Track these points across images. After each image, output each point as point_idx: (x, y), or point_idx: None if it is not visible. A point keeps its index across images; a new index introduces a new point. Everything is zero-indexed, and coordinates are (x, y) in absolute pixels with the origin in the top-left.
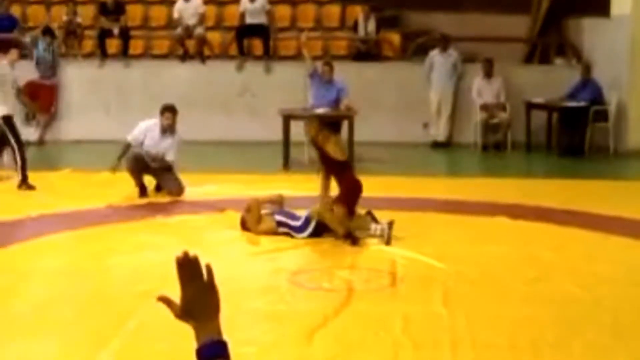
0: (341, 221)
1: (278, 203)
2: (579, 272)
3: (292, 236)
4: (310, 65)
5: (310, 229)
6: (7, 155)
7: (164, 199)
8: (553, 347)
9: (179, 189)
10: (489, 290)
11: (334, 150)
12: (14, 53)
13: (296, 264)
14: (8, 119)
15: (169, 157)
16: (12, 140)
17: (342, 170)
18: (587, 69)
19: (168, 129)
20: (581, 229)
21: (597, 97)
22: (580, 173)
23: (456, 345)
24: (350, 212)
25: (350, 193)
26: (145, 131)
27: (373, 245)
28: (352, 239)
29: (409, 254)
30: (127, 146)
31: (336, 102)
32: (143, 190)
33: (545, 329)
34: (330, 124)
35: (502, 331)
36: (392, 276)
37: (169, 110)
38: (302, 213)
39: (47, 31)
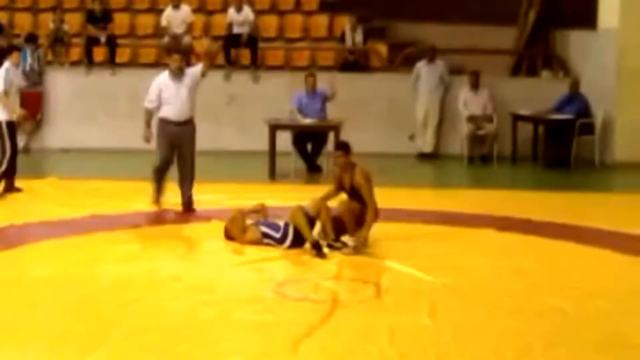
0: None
1: (262, 213)
2: (566, 285)
3: (276, 247)
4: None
5: (289, 238)
6: None
7: (150, 208)
8: None
9: (189, 202)
10: (475, 302)
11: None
12: (15, 56)
13: (282, 274)
14: (11, 125)
15: (198, 70)
16: (9, 146)
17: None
18: (574, 83)
19: (178, 72)
20: (568, 242)
21: (584, 110)
22: (566, 185)
23: (442, 357)
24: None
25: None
26: (157, 87)
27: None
28: (318, 249)
29: (395, 265)
30: (149, 113)
31: (322, 110)
32: (158, 196)
33: (531, 342)
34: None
35: (488, 343)
36: (378, 287)
37: (176, 52)
38: (282, 221)
39: (31, 39)
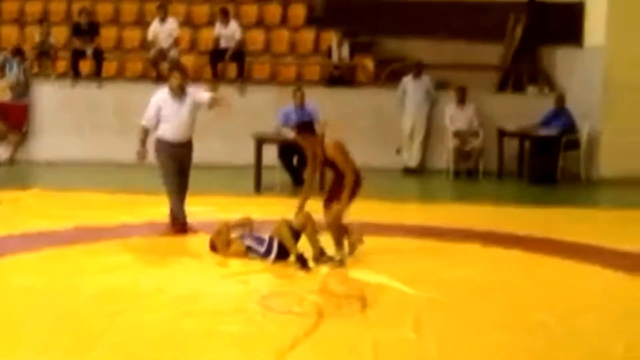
0: (336, 218)
1: (247, 226)
2: (551, 300)
3: (260, 261)
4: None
5: (274, 252)
6: None
7: (135, 220)
8: None
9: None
10: (460, 317)
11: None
12: None
13: (266, 287)
14: None
15: (205, 98)
16: None
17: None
18: (560, 99)
19: (179, 91)
20: (553, 257)
21: (569, 126)
22: (551, 200)
23: None
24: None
25: (357, 183)
26: (156, 104)
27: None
28: (302, 262)
29: (379, 279)
30: (145, 131)
31: None
32: (177, 224)
33: (516, 357)
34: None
35: (473, 358)
36: (363, 301)
37: (176, 69)
38: (267, 235)
39: (18, 52)
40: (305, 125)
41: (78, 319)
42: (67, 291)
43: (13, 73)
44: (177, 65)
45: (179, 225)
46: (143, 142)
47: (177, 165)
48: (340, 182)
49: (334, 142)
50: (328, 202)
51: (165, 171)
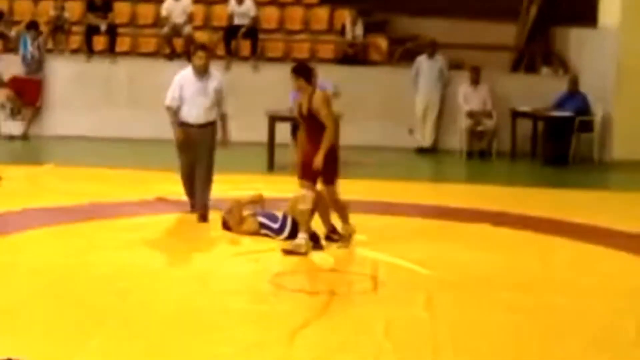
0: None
1: (259, 203)
2: (563, 282)
3: (273, 238)
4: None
5: (287, 229)
6: None
7: (148, 196)
8: (535, 356)
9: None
10: (472, 297)
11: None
12: None
13: (278, 266)
14: None
15: (222, 110)
16: None
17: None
18: (574, 81)
19: (203, 70)
20: (565, 238)
21: (583, 108)
22: (564, 182)
23: (438, 350)
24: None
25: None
26: (179, 83)
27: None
28: (315, 240)
29: (391, 258)
30: (172, 111)
31: None
32: (192, 201)
33: (527, 338)
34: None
35: (484, 338)
36: (375, 280)
37: (201, 48)
38: (281, 212)
39: (32, 26)
40: (303, 68)
41: (90, 295)
42: (79, 267)
43: (27, 48)
44: (202, 45)
45: (197, 212)
46: (177, 123)
47: (194, 152)
48: (316, 139)
49: (324, 94)
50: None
51: (179, 156)
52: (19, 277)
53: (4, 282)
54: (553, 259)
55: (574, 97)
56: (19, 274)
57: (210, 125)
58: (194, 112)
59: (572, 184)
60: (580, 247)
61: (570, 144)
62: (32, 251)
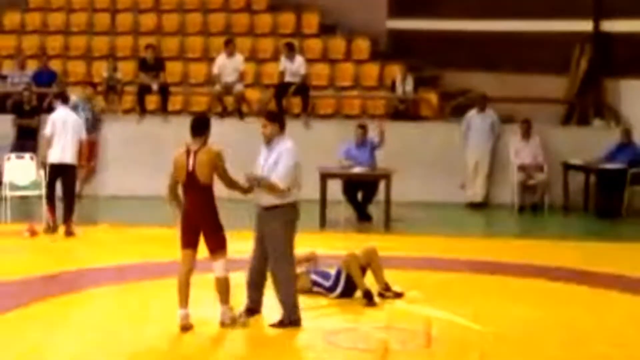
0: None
1: (313, 261)
2: (618, 337)
3: (325, 295)
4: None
5: (340, 287)
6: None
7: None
8: None
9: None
10: (525, 352)
11: None
12: None
13: (332, 323)
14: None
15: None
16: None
17: None
18: (627, 132)
19: (269, 139)
20: (619, 293)
21: (637, 159)
22: (617, 236)
23: None
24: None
25: None
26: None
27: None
28: (369, 298)
29: (444, 314)
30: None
31: (371, 158)
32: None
33: None
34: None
35: None
36: (428, 337)
37: (267, 116)
38: (333, 269)
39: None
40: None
41: (142, 356)
42: (133, 327)
43: (82, 114)
44: (268, 111)
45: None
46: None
47: (256, 242)
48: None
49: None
50: None
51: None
52: (72, 335)
53: (58, 340)
54: (608, 313)
55: (627, 148)
56: (72, 332)
57: (272, 210)
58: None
59: (625, 237)
60: (635, 301)
61: (623, 197)
62: (86, 310)
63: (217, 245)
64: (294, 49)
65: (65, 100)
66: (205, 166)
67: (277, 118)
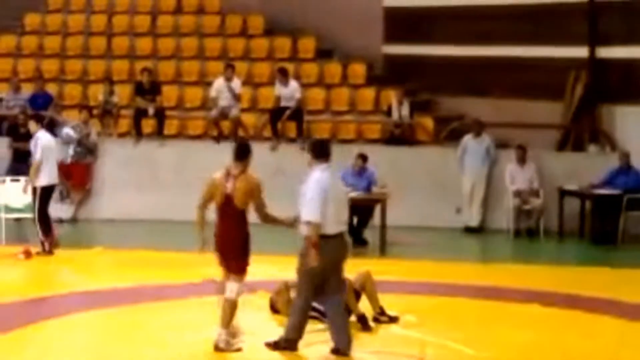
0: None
1: None
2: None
3: (320, 320)
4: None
5: None
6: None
7: (195, 279)
8: None
9: None
10: None
11: None
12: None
13: (327, 348)
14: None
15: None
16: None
17: None
18: (626, 157)
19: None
20: (615, 318)
21: (634, 185)
22: (612, 261)
23: None
24: None
25: None
26: (322, 189)
27: (393, 329)
28: (363, 323)
29: (439, 339)
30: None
31: (367, 189)
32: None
33: None
34: None
35: None
36: None
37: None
38: None
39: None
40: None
41: None
42: (128, 350)
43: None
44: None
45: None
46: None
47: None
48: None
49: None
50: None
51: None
52: (66, 358)
53: None
54: (602, 338)
55: (627, 173)
56: (66, 355)
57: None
58: (342, 217)
59: (620, 263)
60: (630, 326)
61: (619, 222)
62: (80, 333)
63: (237, 269)
64: (287, 74)
65: (40, 120)
66: (243, 192)
67: (310, 146)
